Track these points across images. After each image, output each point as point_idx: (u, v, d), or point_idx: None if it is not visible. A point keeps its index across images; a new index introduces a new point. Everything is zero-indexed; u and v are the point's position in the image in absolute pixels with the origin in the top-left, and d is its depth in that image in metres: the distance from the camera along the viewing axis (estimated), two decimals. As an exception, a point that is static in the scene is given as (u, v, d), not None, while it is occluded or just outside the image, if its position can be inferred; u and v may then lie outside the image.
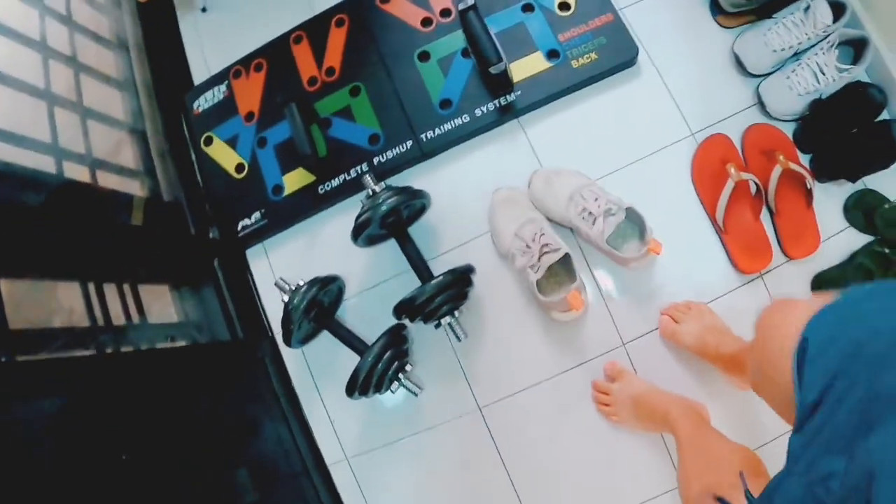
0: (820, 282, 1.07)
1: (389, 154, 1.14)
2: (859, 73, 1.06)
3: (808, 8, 1.07)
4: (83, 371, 0.85)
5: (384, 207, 1.01)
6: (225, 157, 1.23)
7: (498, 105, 1.12)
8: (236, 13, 1.34)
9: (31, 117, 1.13)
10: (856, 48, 1.08)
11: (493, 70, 1.05)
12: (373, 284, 1.16)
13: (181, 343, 1.13)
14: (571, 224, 1.05)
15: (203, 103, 1.27)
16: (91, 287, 1.00)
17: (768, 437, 1.03)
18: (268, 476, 1.11)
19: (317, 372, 1.17)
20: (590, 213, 1.00)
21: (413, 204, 1.06)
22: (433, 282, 1.01)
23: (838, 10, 1.06)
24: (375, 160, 1.14)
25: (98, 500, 0.72)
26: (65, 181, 1.05)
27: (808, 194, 1.06)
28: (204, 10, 1.35)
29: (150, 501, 0.79)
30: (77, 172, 1.11)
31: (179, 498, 0.87)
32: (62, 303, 1.07)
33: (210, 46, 1.34)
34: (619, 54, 1.11)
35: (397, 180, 1.17)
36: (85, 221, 1.04)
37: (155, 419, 0.90)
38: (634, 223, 1.04)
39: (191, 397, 1.01)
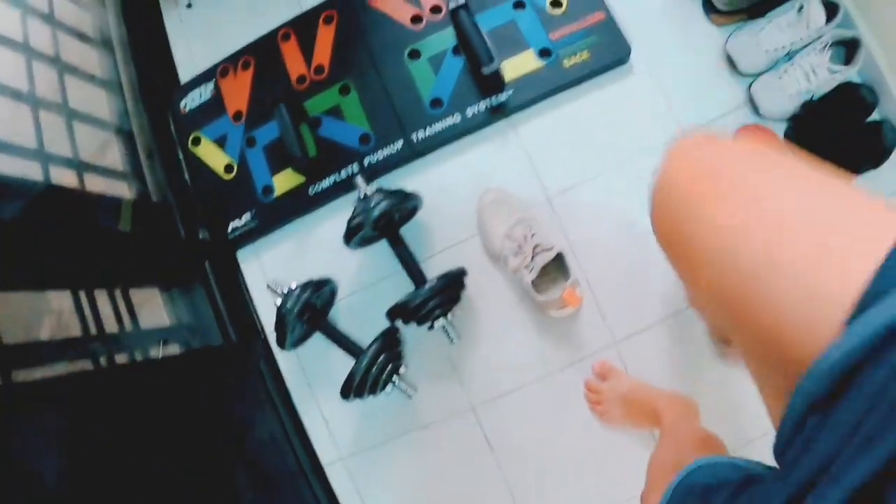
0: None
1: (380, 154, 1.13)
2: (851, 74, 1.07)
3: (801, 8, 1.06)
4: (81, 387, 0.84)
5: (376, 212, 1.00)
6: (213, 157, 1.21)
7: (489, 105, 1.11)
8: (222, 8, 1.31)
9: (14, 120, 1.11)
10: (848, 48, 1.08)
11: (485, 70, 1.04)
12: (365, 285, 1.16)
13: (174, 345, 1.13)
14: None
15: (190, 102, 1.25)
16: (82, 294, 1.00)
17: (758, 433, 1.05)
18: (264, 477, 1.12)
19: (310, 372, 1.17)
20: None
21: (405, 207, 1.06)
22: (426, 286, 1.01)
23: (831, 9, 1.06)
24: (366, 160, 1.13)
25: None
26: (50, 186, 1.03)
27: (798, 194, 1.07)
28: (189, 5, 1.32)
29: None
30: (64, 176, 1.10)
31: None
32: (52, 304, 1.07)
33: (196, 43, 1.31)
34: (611, 53, 1.10)
35: (388, 179, 1.16)
36: (73, 229, 1.02)
37: (153, 427, 0.89)
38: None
39: (187, 403, 1.01)
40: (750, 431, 1.05)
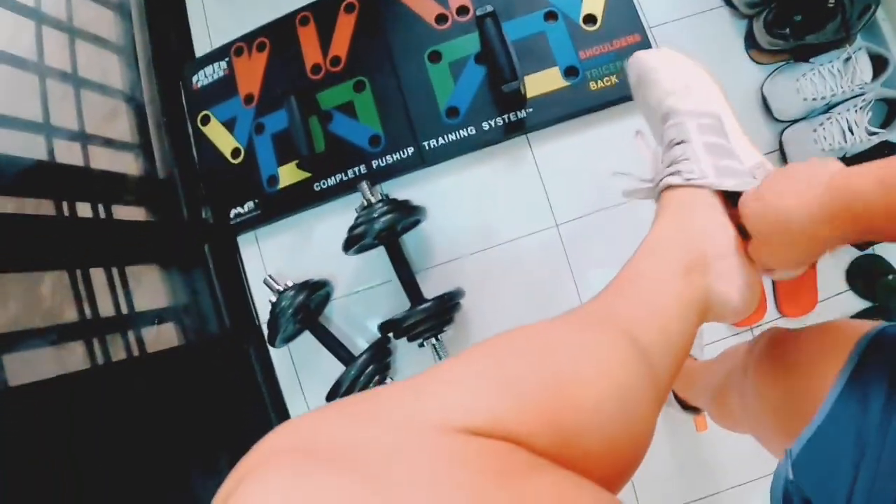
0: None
1: (389, 159, 1.10)
2: (890, 137, 1.01)
3: (848, 59, 0.99)
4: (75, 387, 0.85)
5: (378, 225, 0.99)
6: (221, 139, 1.19)
7: (507, 120, 1.07)
8: (243, -21, 1.26)
9: (18, 86, 1.09)
10: (890, 106, 1.01)
11: (505, 88, 0.99)
12: (361, 288, 1.15)
13: (168, 323, 1.14)
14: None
15: (202, 78, 1.21)
16: (78, 273, 1.00)
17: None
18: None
19: (300, 366, 1.18)
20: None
21: (409, 220, 1.04)
22: (420, 307, 1.00)
23: (880, 63, 0.99)
24: (374, 163, 1.11)
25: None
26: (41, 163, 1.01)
27: (814, 253, 1.03)
28: (209, -29, 1.26)
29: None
30: (68, 149, 1.08)
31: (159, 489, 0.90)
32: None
33: (213, 14, 1.26)
34: (640, 80, 1.05)
35: (394, 184, 1.13)
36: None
37: (143, 415, 0.92)
38: None
39: (179, 393, 1.03)
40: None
